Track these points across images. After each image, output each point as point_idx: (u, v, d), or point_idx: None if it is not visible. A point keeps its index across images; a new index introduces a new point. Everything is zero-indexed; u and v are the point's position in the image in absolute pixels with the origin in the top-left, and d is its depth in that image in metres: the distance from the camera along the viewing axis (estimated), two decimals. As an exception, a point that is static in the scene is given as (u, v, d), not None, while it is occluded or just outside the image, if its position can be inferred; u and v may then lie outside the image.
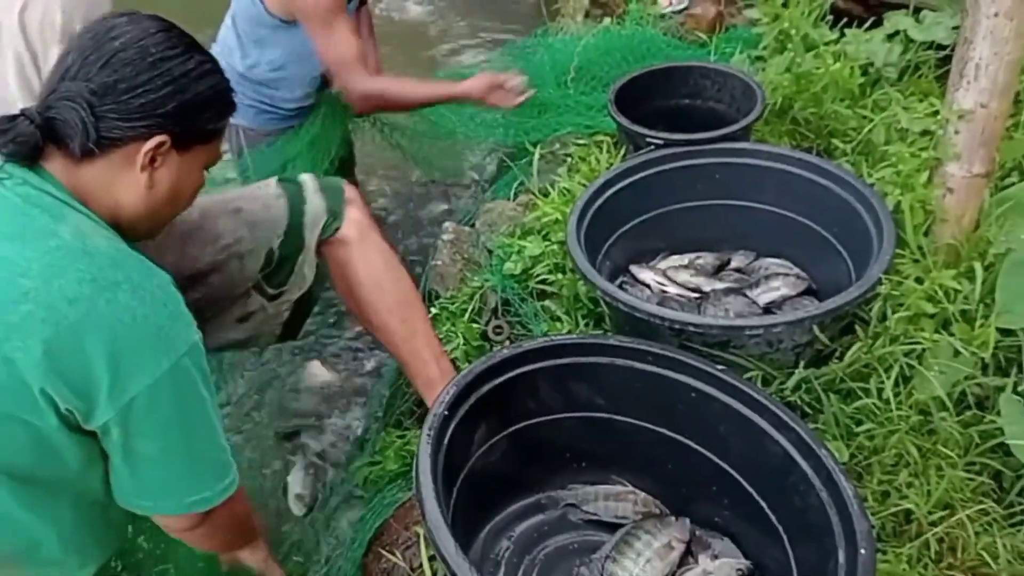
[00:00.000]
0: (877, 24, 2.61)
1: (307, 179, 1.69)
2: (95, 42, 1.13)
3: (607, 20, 3.26)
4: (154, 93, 1.12)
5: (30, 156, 1.10)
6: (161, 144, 1.15)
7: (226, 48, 2.43)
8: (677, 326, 1.55)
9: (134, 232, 1.21)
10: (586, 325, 1.92)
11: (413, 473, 1.21)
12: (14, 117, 1.11)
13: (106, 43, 1.12)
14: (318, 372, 2.64)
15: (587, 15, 3.49)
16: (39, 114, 1.11)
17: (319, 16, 2.25)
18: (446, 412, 1.30)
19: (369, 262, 1.70)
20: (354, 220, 1.69)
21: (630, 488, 1.57)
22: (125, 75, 1.11)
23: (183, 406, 1.13)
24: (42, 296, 1.02)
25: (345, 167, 2.72)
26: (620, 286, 1.97)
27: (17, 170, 1.11)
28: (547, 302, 1.99)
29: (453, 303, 2.06)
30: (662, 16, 3.14)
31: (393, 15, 4.87)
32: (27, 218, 1.07)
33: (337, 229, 1.67)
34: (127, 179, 1.15)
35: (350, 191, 1.73)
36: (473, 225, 2.36)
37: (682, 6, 3.23)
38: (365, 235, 1.70)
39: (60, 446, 1.10)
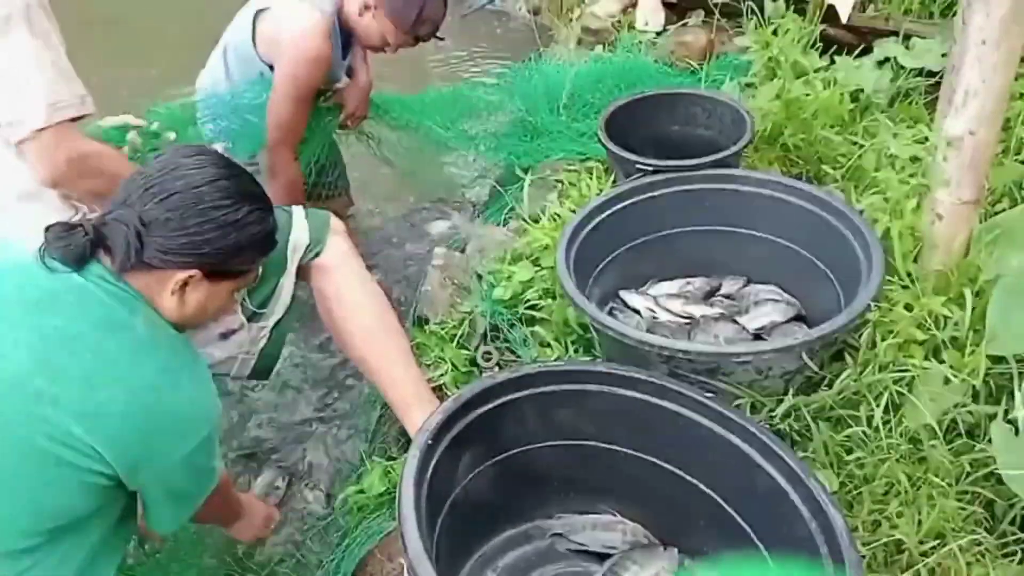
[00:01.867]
0: (867, 51, 2.62)
1: (297, 209, 1.78)
2: (161, 176, 1.24)
3: (599, 47, 3.28)
4: (198, 236, 1.23)
5: (77, 261, 1.22)
6: (192, 276, 1.26)
7: (214, 77, 2.43)
8: (666, 352, 1.54)
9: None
10: (576, 351, 1.91)
11: (396, 503, 1.19)
12: (73, 227, 1.23)
13: (169, 181, 1.24)
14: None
15: (580, 42, 3.51)
16: (93, 228, 1.23)
17: (292, 84, 2.29)
18: (430, 441, 1.29)
19: (347, 288, 1.76)
20: (336, 248, 1.76)
21: (618, 518, 1.55)
22: (176, 216, 1.22)
23: (203, 457, 1.31)
24: (127, 382, 1.19)
25: (330, 170, 2.74)
26: (610, 312, 1.97)
27: (94, 266, 1.23)
28: (537, 328, 1.98)
29: (443, 328, 2.05)
30: (654, 42, 3.16)
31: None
32: (109, 309, 1.22)
33: (318, 254, 1.74)
34: (160, 294, 1.27)
35: (336, 223, 1.80)
36: (463, 251, 2.35)
37: (658, 28, 3.24)
38: (345, 262, 1.77)
39: (106, 494, 1.25)
